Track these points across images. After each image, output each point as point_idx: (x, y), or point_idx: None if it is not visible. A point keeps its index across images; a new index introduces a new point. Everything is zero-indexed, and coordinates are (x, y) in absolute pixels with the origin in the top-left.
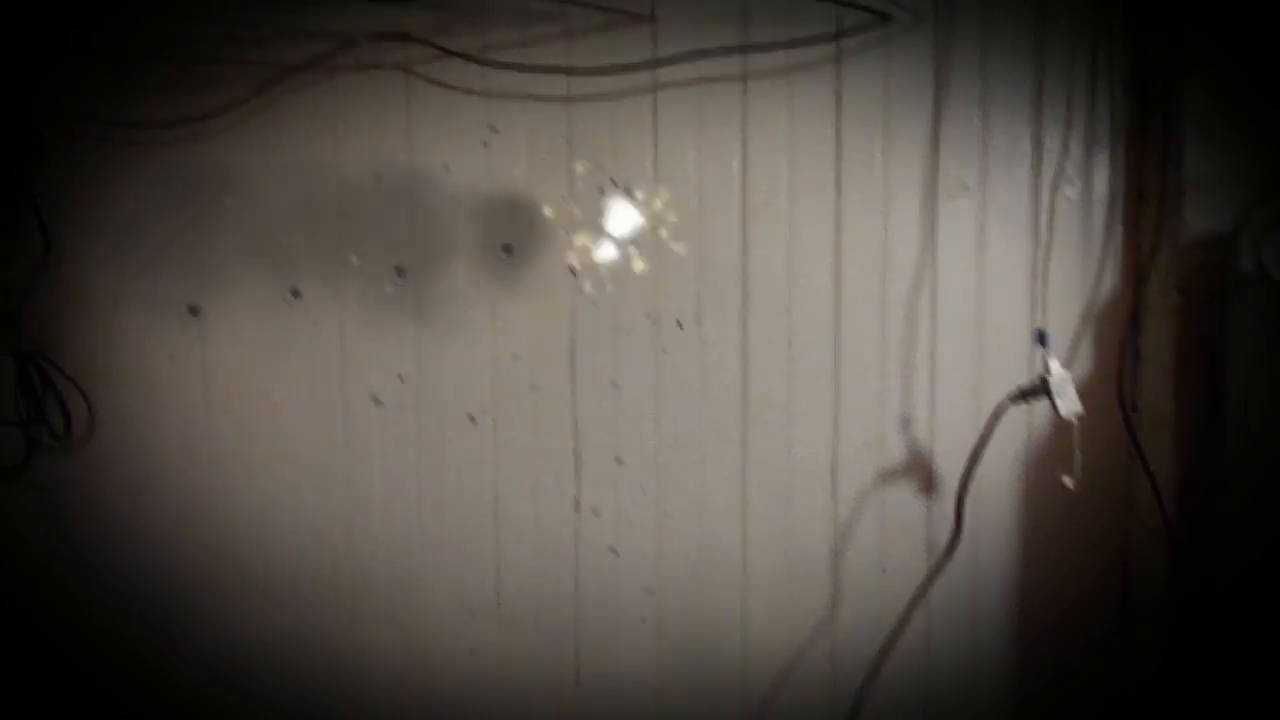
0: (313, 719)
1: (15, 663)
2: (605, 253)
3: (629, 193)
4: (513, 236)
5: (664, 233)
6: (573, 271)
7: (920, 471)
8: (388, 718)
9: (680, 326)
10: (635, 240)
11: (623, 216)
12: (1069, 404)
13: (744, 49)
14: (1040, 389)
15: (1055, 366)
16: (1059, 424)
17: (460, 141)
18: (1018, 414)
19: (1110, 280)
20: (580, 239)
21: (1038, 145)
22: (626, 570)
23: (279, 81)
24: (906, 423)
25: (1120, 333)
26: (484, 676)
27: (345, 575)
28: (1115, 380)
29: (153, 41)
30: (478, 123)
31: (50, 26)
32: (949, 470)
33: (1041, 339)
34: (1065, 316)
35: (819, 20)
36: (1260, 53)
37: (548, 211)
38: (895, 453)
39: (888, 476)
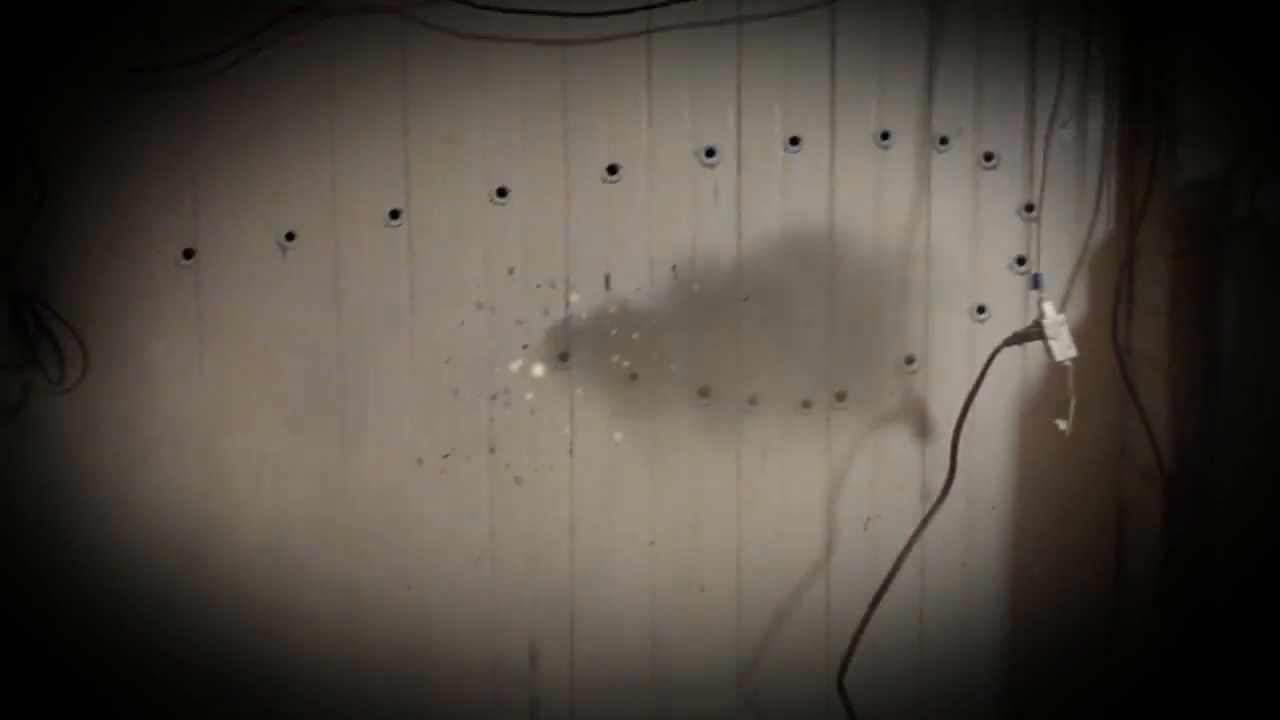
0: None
1: (12, 604)
2: (601, 197)
3: (623, 137)
4: (507, 180)
5: (658, 176)
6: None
7: (915, 416)
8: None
9: (674, 271)
10: (629, 184)
11: (618, 158)
12: (1063, 348)
13: None
14: (1035, 333)
15: (1050, 310)
16: (1053, 368)
17: (454, 84)
18: (1012, 358)
19: (1105, 224)
20: (577, 183)
21: (1032, 88)
22: (620, 522)
23: (274, 25)
24: (901, 367)
25: (1115, 276)
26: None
27: (339, 526)
28: (1110, 324)
29: None
30: (471, 66)
31: None
32: (943, 415)
33: (1036, 282)
34: (1060, 260)
35: None
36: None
37: (544, 152)
38: (890, 397)
39: (882, 421)
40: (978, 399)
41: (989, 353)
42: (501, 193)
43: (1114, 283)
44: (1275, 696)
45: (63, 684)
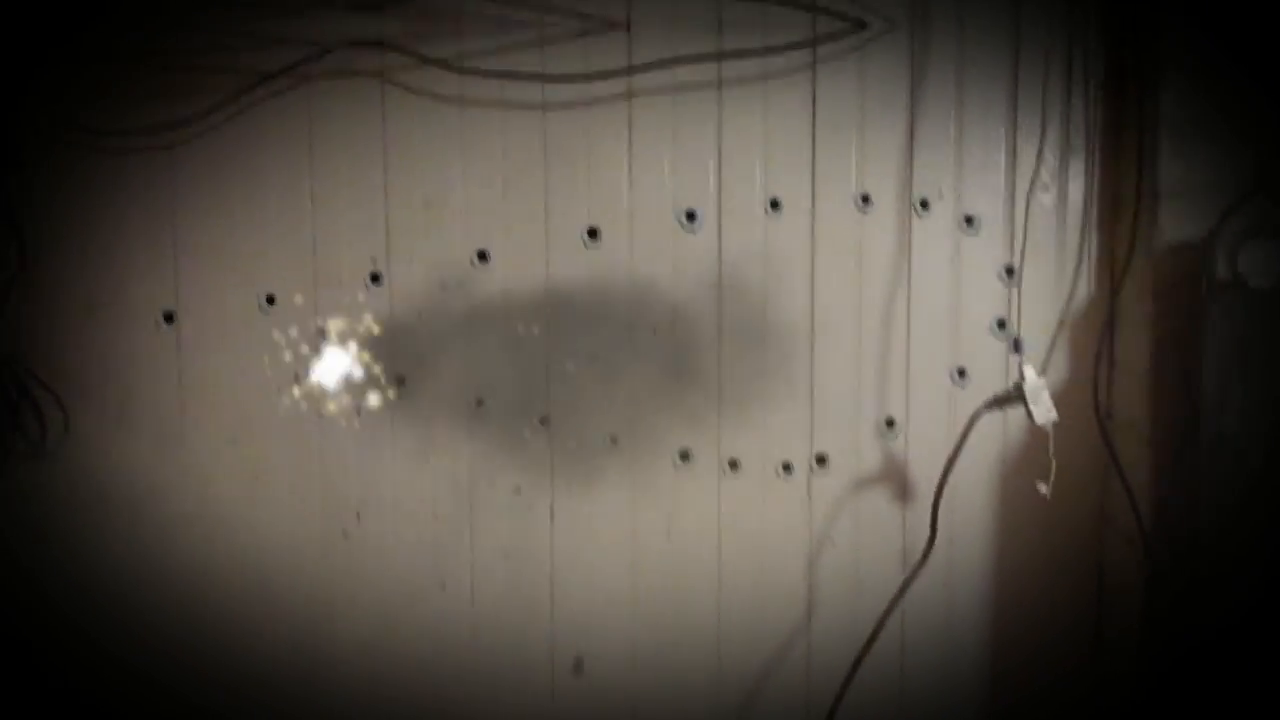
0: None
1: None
2: (579, 260)
3: (604, 199)
4: (488, 243)
5: (639, 237)
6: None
7: (895, 479)
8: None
9: (655, 334)
10: (610, 245)
11: (599, 221)
12: (1044, 411)
13: (719, 56)
14: (1015, 396)
15: (1030, 373)
16: (1034, 431)
17: (435, 148)
18: (993, 421)
19: (1085, 287)
20: (556, 246)
21: (1012, 152)
22: (601, 582)
23: (255, 89)
24: (881, 430)
25: (1095, 339)
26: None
27: (322, 584)
28: (1090, 387)
29: (132, 49)
30: (451, 130)
31: (30, 37)
32: (924, 478)
33: (1017, 346)
34: (1040, 323)
35: (794, 27)
36: (1236, 60)
37: (522, 220)
38: (870, 460)
39: (863, 484)
40: (959, 462)
41: (969, 416)
42: (483, 256)
43: (1095, 346)
44: None
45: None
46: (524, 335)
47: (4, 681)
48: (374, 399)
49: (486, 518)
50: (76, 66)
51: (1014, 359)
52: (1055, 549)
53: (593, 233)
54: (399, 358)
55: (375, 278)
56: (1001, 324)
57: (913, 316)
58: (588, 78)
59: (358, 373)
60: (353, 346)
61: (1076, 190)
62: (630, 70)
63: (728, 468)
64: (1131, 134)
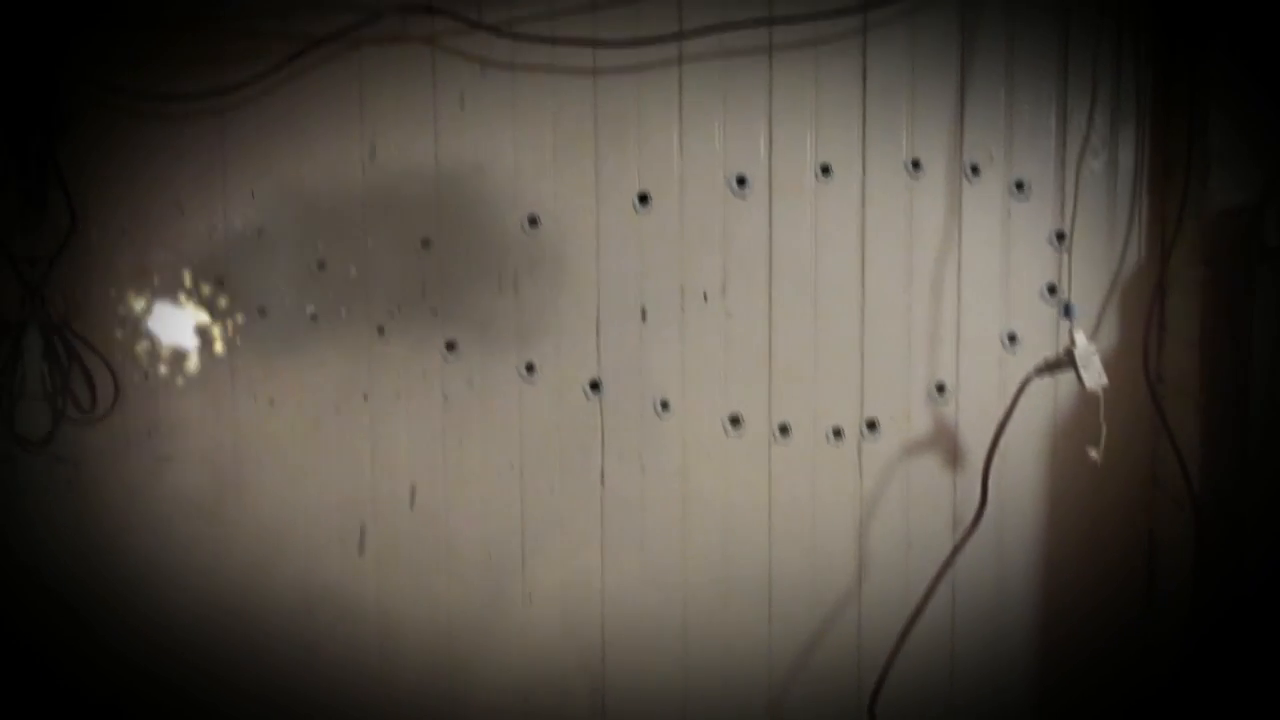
0: (334, 688)
1: (40, 631)
2: (632, 226)
3: (655, 165)
4: (538, 207)
5: (689, 202)
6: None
7: (946, 444)
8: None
9: (706, 299)
10: (660, 210)
11: (649, 186)
12: (1094, 376)
13: (770, 21)
14: (1066, 361)
15: (1081, 339)
16: (1084, 396)
17: (485, 113)
18: (1043, 386)
19: (1136, 252)
20: (606, 210)
21: (1063, 117)
22: (652, 546)
23: (305, 54)
24: (932, 395)
25: (1146, 305)
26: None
27: (370, 547)
28: (1141, 353)
29: (180, 15)
30: (502, 95)
31: (74, 3)
32: (975, 443)
33: (1067, 311)
34: (1091, 289)
35: None
36: None
37: (572, 185)
38: (921, 426)
39: (913, 450)
40: (1009, 427)
41: (1020, 381)
42: (533, 221)
43: (1145, 311)
44: None
45: (93, 697)
46: (576, 301)
47: (51, 644)
48: (430, 361)
49: (538, 491)
50: (124, 32)
51: (1064, 324)
52: (1106, 513)
53: (643, 198)
54: (449, 324)
55: (425, 242)
56: (1052, 289)
57: (963, 282)
58: (638, 43)
59: (413, 338)
60: (406, 316)
61: (1127, 155)
62: (681, 35)
63: (778, 433)
64: (1182, 99)
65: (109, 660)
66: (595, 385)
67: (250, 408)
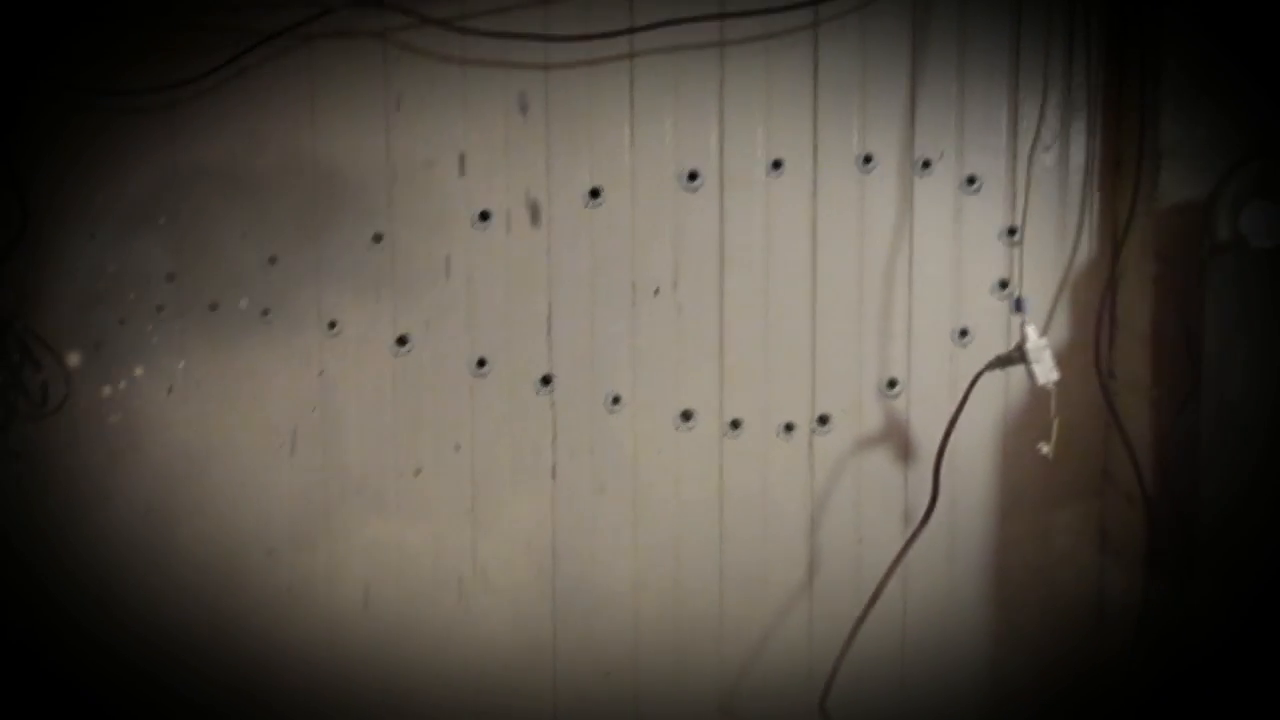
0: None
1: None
2: (582, 220)
3: (606, 160)
4: (491, 204)
5: (640, 196)
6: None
7: (897, 439)
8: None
9: (657, 294)
10: (613, 207)
11: (601, 181)
12: (1046, 371)
13: (720, 16)
14: (1017, 356)
15: (1032, 333)
16: (1036, 392)
17: (437, 108)
18: (995, 381)
19: (1087, 247)
20: (558, 205)
21: (1014, 112)
22: (602, 541)
23: (255, 49)
24: (883, 390)
25: (1097, 299)
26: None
27: (321, 540)
28: (1092, 347)
29: (131, 8)
30: (453, 89)
31: None
32: (926, 438)
33: (1019, 306)
34: (1042, 283)
35: None
36: (1237, 21)
37: (528, 179)
38: (872, 421)
39: (865, 445)
40: (960, 422)
41: (971, 376)
42: (484, 216)
43: (1097, 306)
44: (1257, 716)
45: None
46: (526, 296)
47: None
48: (381, 356)
49: (491, 488)
50: (77, 26)
51: (1016, 319)
52: (1057, 508)
53: (594, 192)
54: (401, 318)
55: (377, 237)
56: (1003, 284)
57: (914, 277)
58: (590, 38)
59: (364, 333)
60: (358, 307)
61: (1078, 150)
62: (632, 30)
63: (729, 427)
64: (1133, 94)
65: (69, 654)
66: (546, 380)
67: (201, 403)
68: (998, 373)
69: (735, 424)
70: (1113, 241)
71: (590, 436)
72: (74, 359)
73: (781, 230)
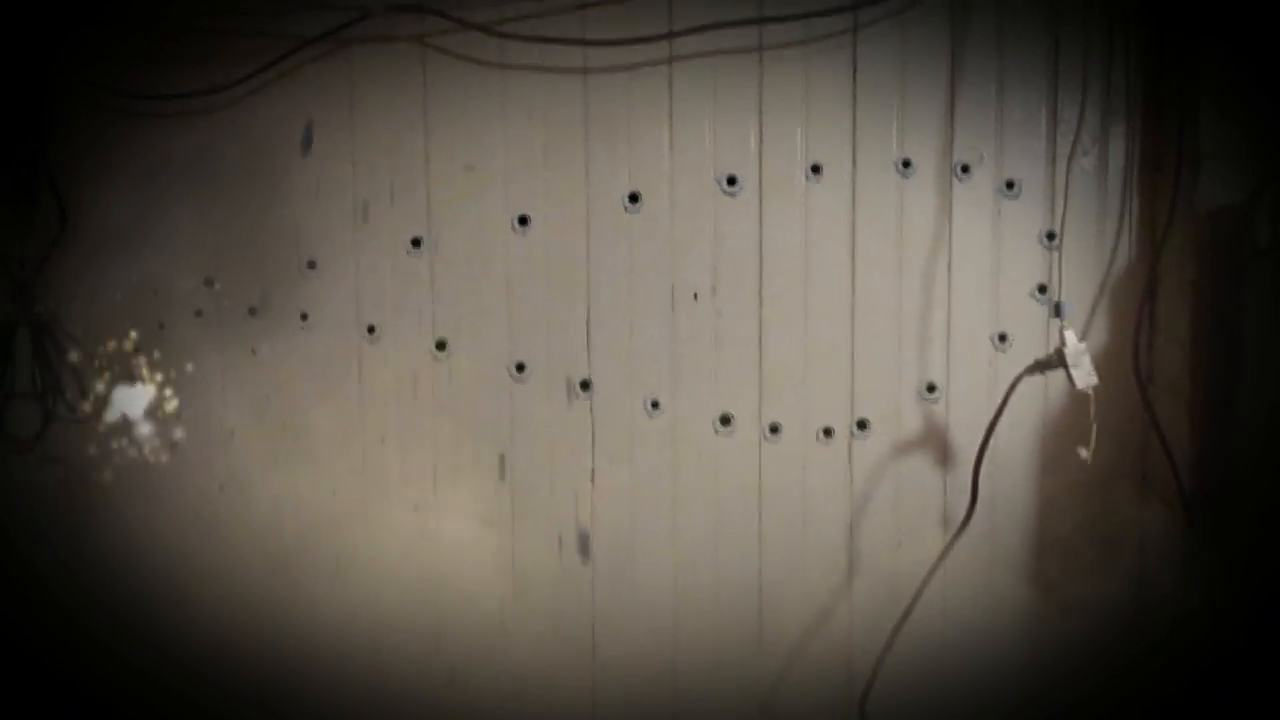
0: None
1: (30, 630)
2: (622, 225)
3: (645, 165)
4: (528, 208)
5: (679, 201)
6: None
7: (936, 443)
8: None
9: (696, 299)
10: (652, 212)
11: (640, 186)
12: (1085, 375)
13: (760, 20)
14: (1056, 360)
15: (1071, 338)
16: (1075, 396)
17: (475, 112)
18: (1034, 385)
19: (1126, 252)
20: (596, 209)
21: (1053, 116)
22: (641, 545)
23: (295, 53)
24: (922, 395)
25: (1136, 304)
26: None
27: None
28: (1131, 352)
29: (170, 15)
30: (492, 94)
31: (71, 3)
32: (965, 442)
33: (1058, 310)
34: (1082, 288)
35: None
36: (1276, 26)
37: (562, 185)
38: (911, 425)
39: (904, 449)
40: (999, 427)
41: (1010, 380)
42: (523, 221)
43: (1135, 310)
44: None
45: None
46: (566, 301)
47: (40, 642)
48: (421, 360)
49: (531, 493)
50: (117, 33)
51: (1055, 323)
52: (1095, 512)
53: (634, 197)
54: (440, 322)
55: (416, 242)
56: (1042, 289)
57: (953, 281)
58: (628, 42)
59: (403, 337)
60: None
61: (1117, 154)
62: (671, 35)
63: (768, 432)
64: (1172, 98)
65: (99, 661)
66: (585, 385)
67: (239, 407)
68: (1037, 377)
69: (774, 429)
70: (1152, 246)
71: (629, 441)
72: (112, 363)
73: (820, 235)
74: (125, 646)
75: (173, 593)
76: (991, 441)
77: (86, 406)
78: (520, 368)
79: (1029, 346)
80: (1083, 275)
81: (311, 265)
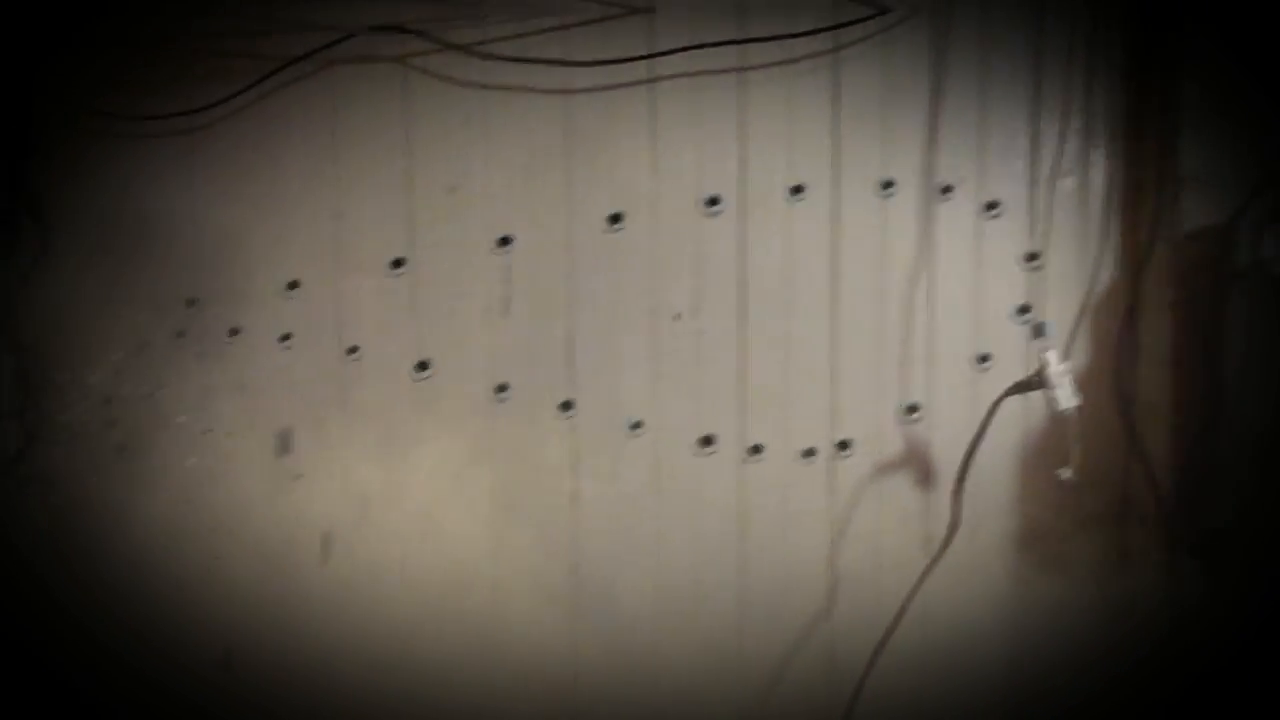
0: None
1: (14, 652)
2: (604, 246)
3: (627, 186)
4: (512, 229)
5: (661, 222)
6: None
7: (917, 464)
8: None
9: (678, 319)
10: (633, 232)
11: (621, 207)
12: (1066, 397)
13: (742, 41)
14: (1037, 382)
15: (1053, 359)
16: (1057, 417)
17: (457, 133)
18: (1015, 406)
19: (1108, 273)
20: (577, 230)
21: (1035, 137)
22: (622, 567)
23: (275, 74)
24: (903, 416)
25: (1118, 325)
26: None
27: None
28: (1113, 373)
29: (150, 35)
30: (473, 115)
31: (51, 22)
32: (946, 463)
33: (1039, 331)
34: (1063, 309)
35: (817, 13)
36: (1257, 46)
37: (544, 206)
38: (893, 446)
39: (884, 470)
40: (980, 448)
41: (992, 402)
42: (504, 241)
43: (1117, 332)
44: None
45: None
46: (547, 321)
47: (24, 665)
48: (402, 382)
49: (512, 514)
50: (96, 52)
51: (1036, 345)
52: (1077, 533)
53: (615, 218)
54: (422, 343)
55: (397, 263)
56: (1024, 310)
57: (934, 302)
58: (610, 63)
59: (385, 358)
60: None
61: (1099, 175)
62: (653, 55)
63: (750, 453)
64: (1153, 119)
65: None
66: (567, 405)
67: (221, 428)
68: (1018, 398)
69: (756, 449)
70: (1133, 267)
71: (611, 461)
72: (93, 382)
73: (802, 255)
74: (105, 671)
75: (155, 605)
76: (973, 462)
77: (68, 425)
78: (501, 388)
79: (1010, 368)
80: (1064, 296)
81: (293, 286)
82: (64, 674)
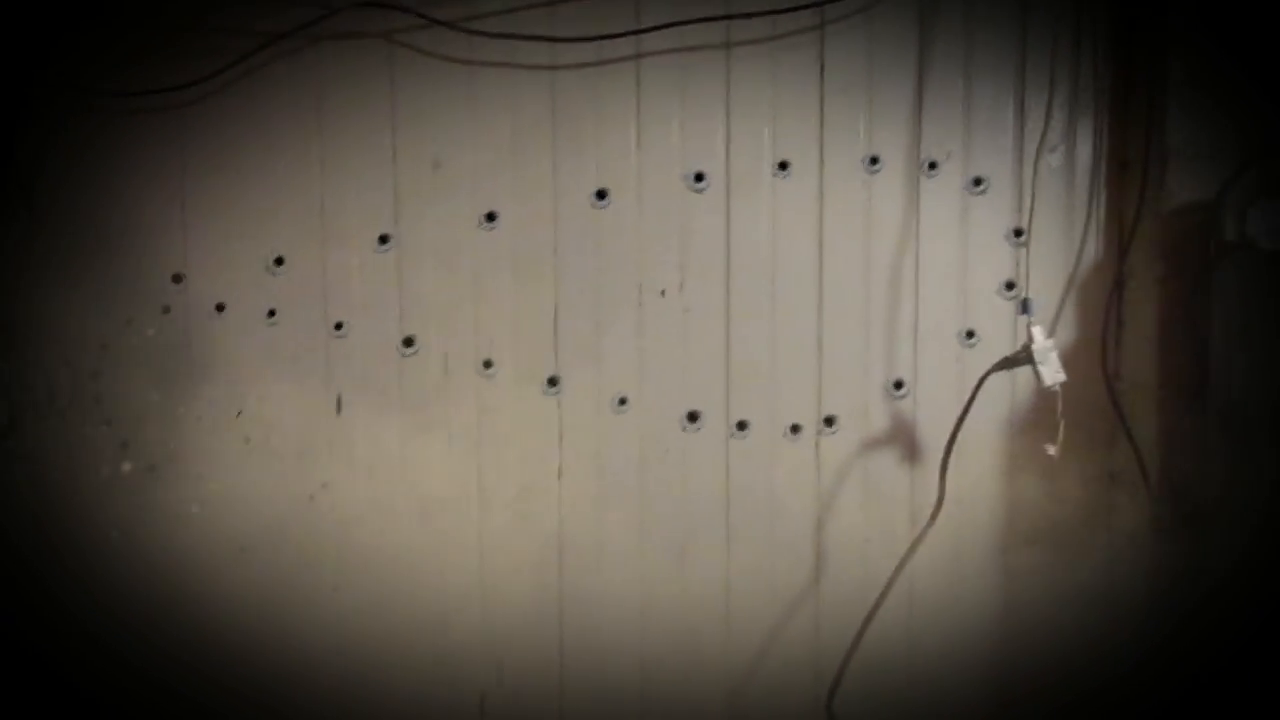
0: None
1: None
2: (590, 222)
3: (612, 161)
4: (496, 204)
5: (647, 198)
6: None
7: (903, 440)
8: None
9: (664, 295)
10: (619, 208)
11: (607, 183)
12: (1052, 372)
13: (727, 17)
14: (1024, 357)
15: (1039, 335)
16: (1042, 393)
17: (443, 109)
18: (1001, 382)
19: (1094, 248)
20: (563, 206)
21: (1021, 113)
22: (608, 542)
23: (262, 50)
24: (890, 392)
25: (1104, 301)
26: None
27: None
28: (1099, 348)
29: (137, 11)
30: (459, 91)
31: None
32: (932, 439)
33: (1025, 307)
34: (1049, 285)
35: None
36: (1241, 24)
37: (530, 181)
38: (879, 422)
39: (871, 446)
40: (967, 423)
41: (978, 377)
42: (490, 217)
43: (1103, 307)
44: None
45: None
46: (533, 298)
47: (9, 644)
48: (389, 358)
49: (498, 490)
50: (83, 30)
51: (1022, 320)
52: (1063, 509)
53: (601, 194)
54: (408, 319)
55: (383, 239)
56: (1010, 285)
57: (921, 278)
58: (596, 39)
59: (371, 335)
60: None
61: (1085, 151)
62: (639, 31)
63: (735, 429)
64: (1140, 95)
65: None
66: (553, 381)
67: (205, 405)
68: (1004, 374)
69: (742, 425)
70: (1119, 243)
71: (597, 438)
72: (79, 361)
73: (788, 231)
74: (94, 653)
75: (140, 589)
76: (959, 438)
77: (53, 400)
78: (488, 364)
79: (997, 343)
80: (1050, 272)
81: (279, 262)
82: (50, 646)
